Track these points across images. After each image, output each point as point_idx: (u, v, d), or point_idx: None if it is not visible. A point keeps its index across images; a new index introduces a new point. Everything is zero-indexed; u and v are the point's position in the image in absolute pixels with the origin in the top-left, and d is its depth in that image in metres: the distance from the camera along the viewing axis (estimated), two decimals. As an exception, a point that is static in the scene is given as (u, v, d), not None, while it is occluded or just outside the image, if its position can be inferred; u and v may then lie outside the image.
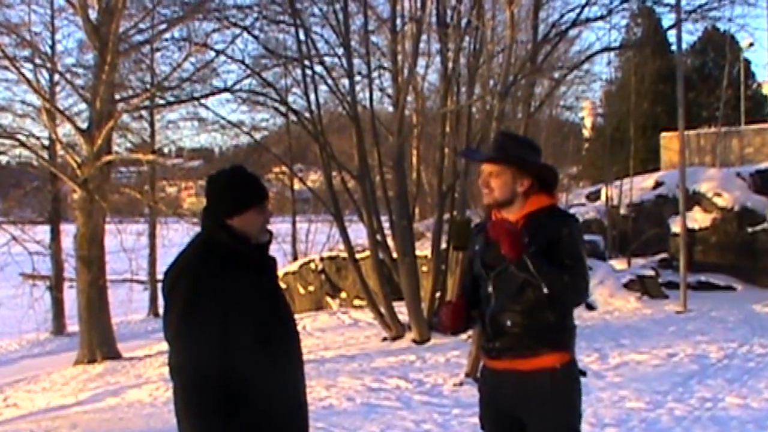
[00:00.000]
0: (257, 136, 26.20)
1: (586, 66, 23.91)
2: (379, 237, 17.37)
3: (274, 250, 4.47)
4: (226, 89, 20.81)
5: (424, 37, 17.83)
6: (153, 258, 31.40)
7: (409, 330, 16.71)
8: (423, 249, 18.95)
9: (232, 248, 4.17)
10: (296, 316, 20.79)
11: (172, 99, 22.09)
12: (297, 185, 32.26)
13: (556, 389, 4.32)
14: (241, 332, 4.09)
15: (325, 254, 24.54)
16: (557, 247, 4.27)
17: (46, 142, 25.64)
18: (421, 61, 18.72)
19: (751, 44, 30.26)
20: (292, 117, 20.00)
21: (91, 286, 20.64)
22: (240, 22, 19.15)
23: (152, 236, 30.61)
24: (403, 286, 16.76)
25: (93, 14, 20.42)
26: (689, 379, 11.17)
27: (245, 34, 19.55)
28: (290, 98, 21.75)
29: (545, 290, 4.20)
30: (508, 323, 4.36)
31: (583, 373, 4.45)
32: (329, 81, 18.01)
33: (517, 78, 15.45)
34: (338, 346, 16.95)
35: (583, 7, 17.47)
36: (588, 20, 18.27)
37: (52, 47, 25.22)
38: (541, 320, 4.32)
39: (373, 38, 18.75)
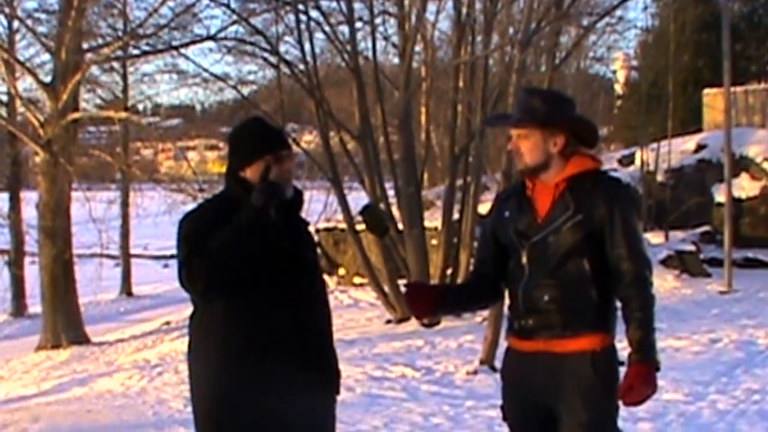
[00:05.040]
0: (244, 90, 26.07)
1: (618, 12, 23.87)
2: (382, 206, 17.35)
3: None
4: (209, 37, 20.73)
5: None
6: (126, 230, 31.29)
7: (417, 312, 16.71)
8: (432, 220, 18.92)
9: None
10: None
11: (147, 48, 22.02)
12: (290, 147, 32.17)
13: (597, 375, 4.33)
14: (234, 315, 4.21)
15: (322, 225, 24.46)
16: (610, 227, 4.32)
17: (4, 98, 25.60)
18: (431, 6, 18.67)
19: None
20: (284, 69, 19.92)
21: (56, 262, 20.65)
22: (225, -40, 19.06)
23: (125, 205, 30.52)
24: (410, 261, 16.77)
25: (57, -49, 20.37)
26: (734, 369, 11.19)
27: (231, -26, 19.47)
28: (282, 48, 21.62)
29: None
30: (545, 298, 4.37)
31: (621, 363, 4.44)
32: (326, 28, 17.97)
33: (541, 25, 15.36)
34: (336, 330, 16.81)
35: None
36: (622, -42, 18.20)
37: (11, -11, 25.15)
38: (583, 297, 4.35)
39: (377, -21, 18.70)
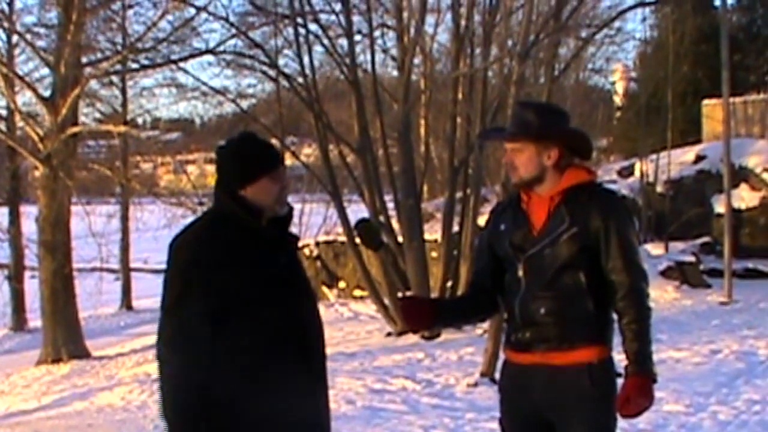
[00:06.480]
0: (243, 104, 26.11)
1: (617, 23, 23.90)
2: (382, 218, 17.35)
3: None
4: (208, 51, 20.77)
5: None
6: (126, 243, 31.28)
7: (417, 324, 16.67)
8: (432, 232, 18.94)
9: (245, 223, 4.26)
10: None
11: (146, 62, 22.04)
12: (289, 160, 32.14)
13: (595, 387, 4.34)
14: (243, 334, 4.16)
15: (321, 238, 24.50)
16: (605, 239, 4.34)
17: (4, 113, 25.61)
18: (430, 19, 18.69)
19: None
20: (284, 82, 19.94)
21: (56, 276, 20.62)
22: (224, -25, 19.12)
23: (125, 219, 30.51)
24: (410, 274, 16.76)
25: (56, -34, 20.38)
26: (735, 379, 11.19)
27: (230, -12, 19.53)
28: (281, 61, 21.68)
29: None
30: (542, 311, 4.38)
31: (618, 375, 4.44)
32: (325, 41, 17.97)
33: (539, 37, 15.39)
34: (336, 342, 16.95)
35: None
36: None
37: (10, 4, 25.13)
38: (579, 309, 4.36)
39: (376, -8, 18.72)
